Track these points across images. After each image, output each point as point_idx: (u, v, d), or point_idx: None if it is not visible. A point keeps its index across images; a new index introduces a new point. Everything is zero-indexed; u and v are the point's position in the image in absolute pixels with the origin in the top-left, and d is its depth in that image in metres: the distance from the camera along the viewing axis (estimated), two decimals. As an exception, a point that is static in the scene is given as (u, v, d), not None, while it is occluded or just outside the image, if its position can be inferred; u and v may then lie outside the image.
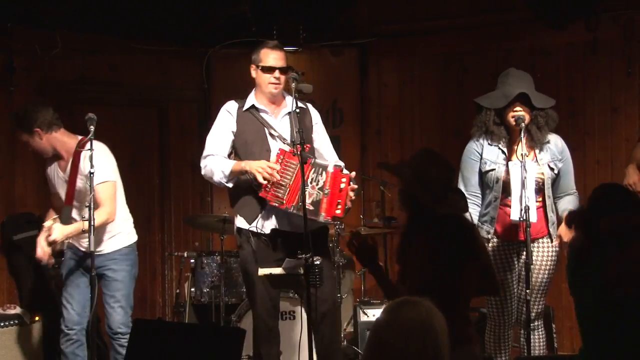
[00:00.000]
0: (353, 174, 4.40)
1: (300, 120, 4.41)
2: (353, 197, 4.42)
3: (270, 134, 4.47)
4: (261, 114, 4.53)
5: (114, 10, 5.98)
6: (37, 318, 5.41)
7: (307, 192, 4.23)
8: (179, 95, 6.80)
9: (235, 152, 4.55)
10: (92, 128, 4.59)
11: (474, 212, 4.53)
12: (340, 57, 6.78)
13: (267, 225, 4.44)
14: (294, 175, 4.27)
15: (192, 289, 5.69)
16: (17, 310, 5.40)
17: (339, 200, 4.32)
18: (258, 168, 4.28)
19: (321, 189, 4.31)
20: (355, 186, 4.41)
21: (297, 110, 4.24)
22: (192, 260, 5.77)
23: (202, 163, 4.54)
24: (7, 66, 5.82)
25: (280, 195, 4.31)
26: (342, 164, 4.49)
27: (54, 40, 5.92)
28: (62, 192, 4.81)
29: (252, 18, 6.30)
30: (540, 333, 4.55)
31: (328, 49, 6.73)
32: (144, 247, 6.54)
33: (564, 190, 4.53)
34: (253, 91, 4.61)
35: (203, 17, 6.42)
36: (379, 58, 6.74)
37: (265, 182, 4.28)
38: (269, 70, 4.49)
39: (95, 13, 5.96)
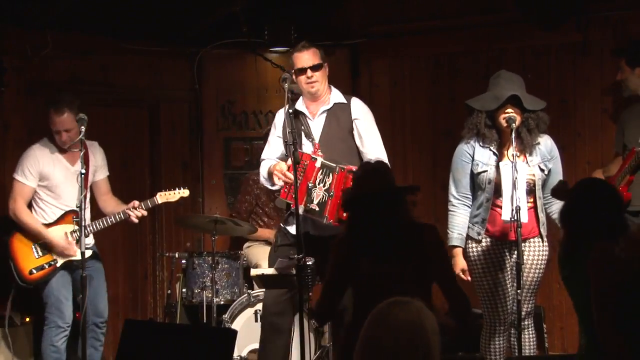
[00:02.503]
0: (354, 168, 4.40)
1: (334, 116, 4.53)
2: None
3: (306, 135, 4.56)
4: (300, 116, 4.60)
5: (105, 10, 5.96)
6: (27, 319, 5.39)
7: (315, 193, 4.32)
8: (170, 96, 6.79)
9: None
10: (82, 128, 4.65)
11: (464, 213, 4.55)
12: (332, 57, 6.75)
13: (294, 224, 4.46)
14: (304, 175, 4.33)
15: (184, 290, 5.69)
16: (7, 311, 5.39)
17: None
18: (276, 172, 4.43)
19: (327, 190, 4.36)
20: None
21: (290, 111, 4.26)
22: (184, 261, 5.76)
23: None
24: (-3, 66, 5.81)
25: (292, 195, 4.33)
26: (380, 156, 4.52)
27: (44, 41, 5.90)
28: (66, 183, 4.98)
29: (244, 18, 6.29)
30: (531, 332, 4.56)
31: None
32: (135, 247, 6.54)
33: None
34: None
35: (194, 17, 6.42)
36: (370, 59, 6.74)
37: (281, 183, 4.42)
38: (301, 72, 4.56)
39: (86, 13, 5.94)
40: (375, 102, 6.73)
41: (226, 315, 5.40)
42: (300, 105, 4.65)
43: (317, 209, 4.36)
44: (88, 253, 4.84)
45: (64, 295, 4.95)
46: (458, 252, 4.53)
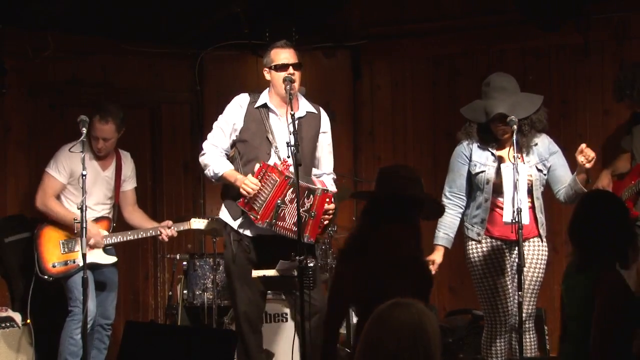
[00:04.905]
0: (334, 190, 4.48)
1: (308, 125, 4.44)
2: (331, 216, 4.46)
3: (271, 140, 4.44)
4: (270, 115, 4.47)
5: (106, 11, 5.97)
6: (28, 321, 5.39)
7: (284, 211, 4.29)
8: (171, 97, 6.79)
9: (234, 145, 4.54)
10: (84, 130, 4.65)
11: (454, 214, 4.57)
12: (333, 58, 6.79)
13: (250, 228, 4.45)
14: (272, 191, 4.27)
15: (185, 291, 5.69)
16: (9, 312, 5.39)
17: (322, 220, 4.38)
18: (242, 184, 4.31)
19: (307, 211, 4.31)
20: (333, 205, 4.41)
21: (292, 112, 4.23)
22: (185, 263, 5.77)
23: (204, 148, 4.55)
24: (-2, 68, 5.81)
25: (255, 209, 4.32)
26: (332, 187, 4.52)
27: (45, 42, 5.90)
28: (94, 187, 5.08)
29: (245, 20, 6.29)
30: (532, 334, 4.56)
31: (321, 51, 6.73)
32: (136, 249, 6.54)
33: (565, 182, 4.51)
34: (267, 89, 4.55)
35: (195, 18, 6.42)
36: (371, 60, 6.75)
37: (246, 196, 4.31)
38: (282, 67, 4.43)
39: (87, 14, 5.94)
40: (377, 103, 6.75)
41: (227, 317, 5.39)
42: (267, 100, 4.50)
43: (294, 228, 4.25)
44: (114, 259, 5.25)
45: (87, 294, 5.00)
46: (439, 249, 4.54)
